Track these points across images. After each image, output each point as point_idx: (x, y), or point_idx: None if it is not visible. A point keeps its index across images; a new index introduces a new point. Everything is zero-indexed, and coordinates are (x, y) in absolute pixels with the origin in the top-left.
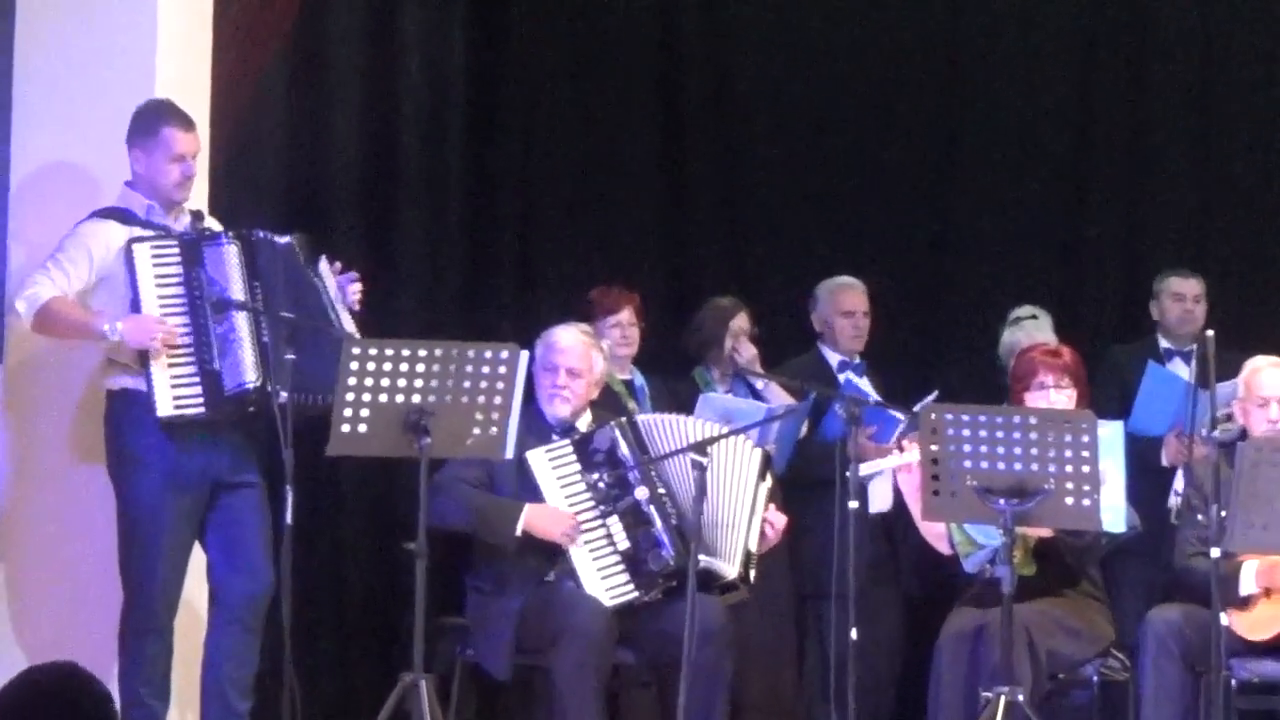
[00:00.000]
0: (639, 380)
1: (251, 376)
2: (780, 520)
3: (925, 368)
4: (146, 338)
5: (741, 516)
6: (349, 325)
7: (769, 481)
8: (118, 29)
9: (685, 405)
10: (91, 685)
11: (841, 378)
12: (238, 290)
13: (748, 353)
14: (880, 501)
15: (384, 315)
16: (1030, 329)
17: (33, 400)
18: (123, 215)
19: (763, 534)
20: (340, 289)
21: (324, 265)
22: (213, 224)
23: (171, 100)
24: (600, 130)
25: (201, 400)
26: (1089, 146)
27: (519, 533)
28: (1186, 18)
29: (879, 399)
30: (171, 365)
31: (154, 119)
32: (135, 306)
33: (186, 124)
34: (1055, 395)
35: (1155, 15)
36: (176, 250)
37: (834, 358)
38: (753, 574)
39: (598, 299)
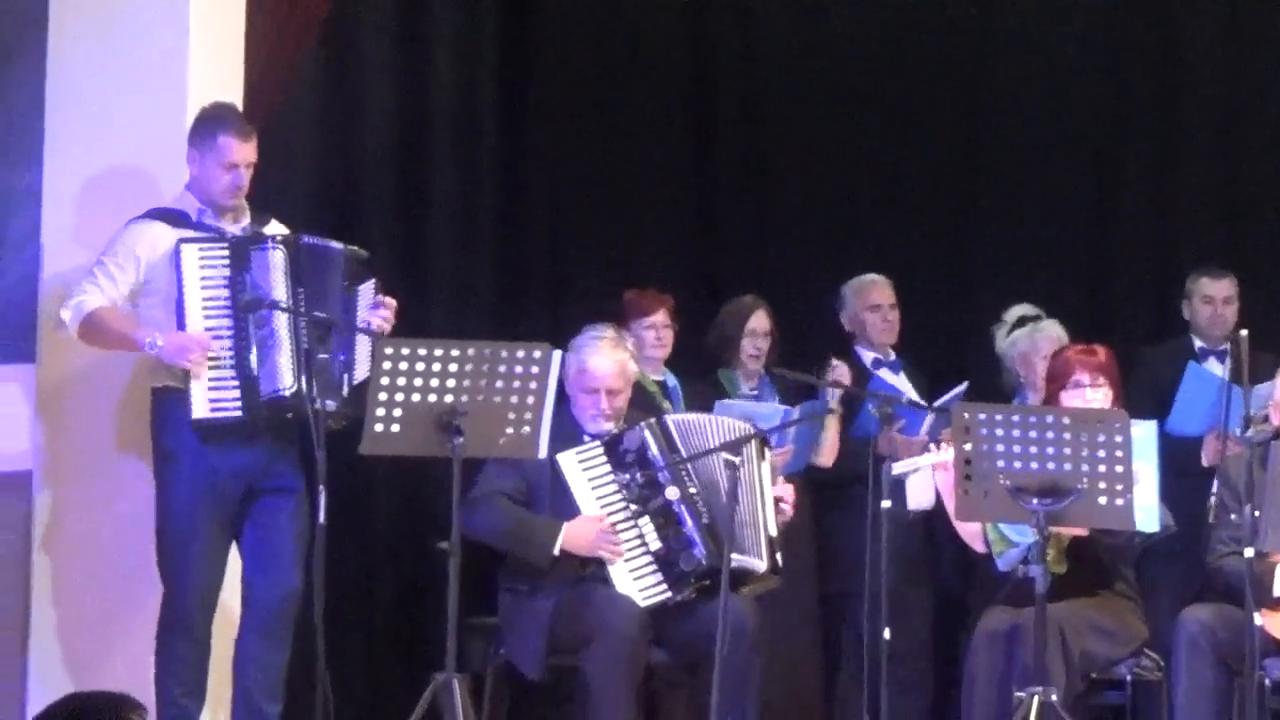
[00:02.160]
0: (671, 381)
1: (288, 382)
2: (789, 492)
3: (952, 369)
4: (184, 357)
5: (759, 507)
6: (361, 350)
7: (769, 459)
8: (150, 28)
9: (707, 407)
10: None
11: (879, 375)
12: (280, 294)
13: (842, 374)
14: (922, 499)
15: (414, 314)
16: (1048, 329)
17: (68, 400)
18: (174, 217)
19: (779, 511)
20: (370, 309)
21: (366, 286)
22: (277, 227)
23: (234, 106)
24: (629, 132)
25: (238, 404)
26: (1117, 145)
27: (556, 552)
28: (1216, 15)
29: (912, 397)
30: (211, 368)
31: (213, 124)
32: (179, 307)
33: (245, 133)
34: (1091, 394)
35: (1185, 13)
36: (225, 253)
37: (868, 356)
38: (779, 558)
39: (633, 300)
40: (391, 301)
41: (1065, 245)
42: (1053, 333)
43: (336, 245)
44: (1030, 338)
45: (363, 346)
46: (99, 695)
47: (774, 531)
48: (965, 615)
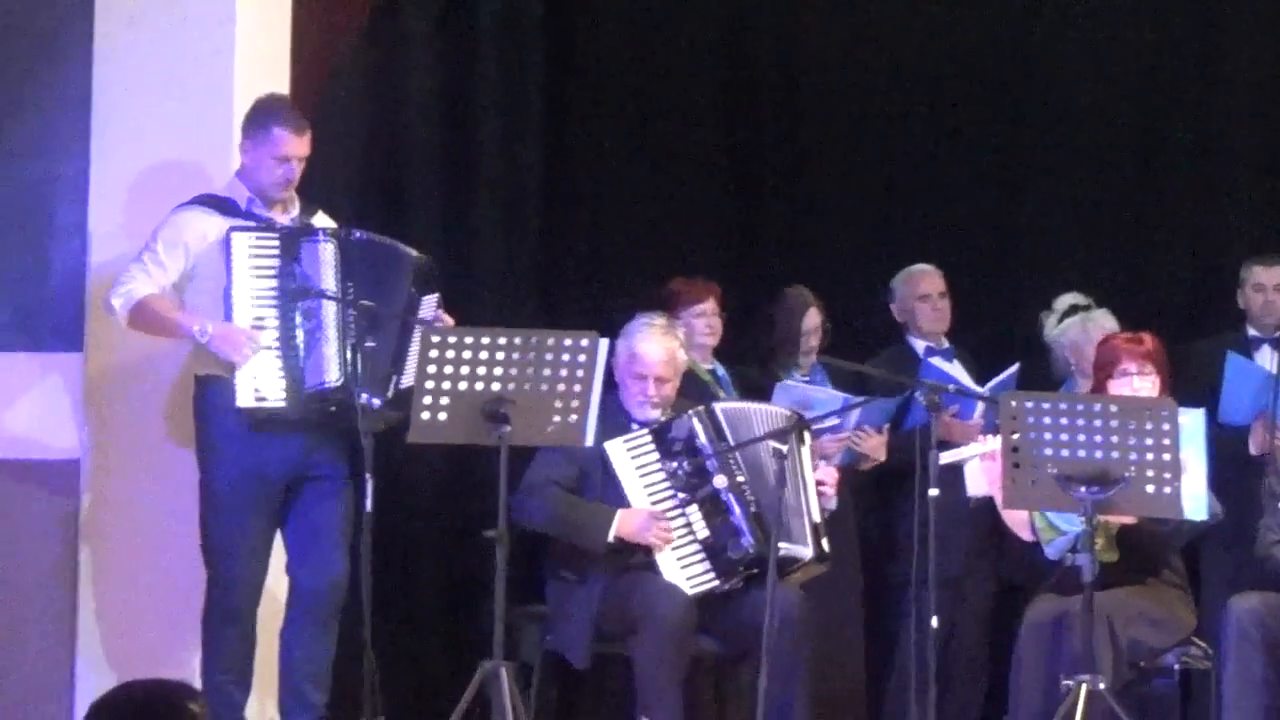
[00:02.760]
0: (720, 370)
1: (334, 375)
2: (831, 475)
3: (997, 356)
4: (233, 350)
5: (802, 493)
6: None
7: (808, 442)
8: (196, 19)
9: (756, 393)
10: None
11: (931, 363)
12: (329, 285)
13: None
14: (981, 486)
15: (460, 303)
16: (1100, 319)
17: (114, 389)
18: (223, 205)
19: (821, 495)
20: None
21: (430, 297)
22: (324, 220)
23: (287, 99)
24: (672, 121)
25: (283, 394)
26: (1161, 132)
27: (610, 539)
28: (1258, 3)
29: (965, 384)
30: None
31: (267, 115)
32: (227, 295)
33: (299, 127)
34: (1139, 383)
35: (1226, 2)
36: (276, 243)
37: (920, 345)
38: (825, 543)
39: (681, 289)
40: (449, 319)
41: (1109, 233)
42: (1105, 323)
43: (408, 249)
44: (1082, 326)
45: (413, 353)
46: (156, 684)
47: (818, 518)
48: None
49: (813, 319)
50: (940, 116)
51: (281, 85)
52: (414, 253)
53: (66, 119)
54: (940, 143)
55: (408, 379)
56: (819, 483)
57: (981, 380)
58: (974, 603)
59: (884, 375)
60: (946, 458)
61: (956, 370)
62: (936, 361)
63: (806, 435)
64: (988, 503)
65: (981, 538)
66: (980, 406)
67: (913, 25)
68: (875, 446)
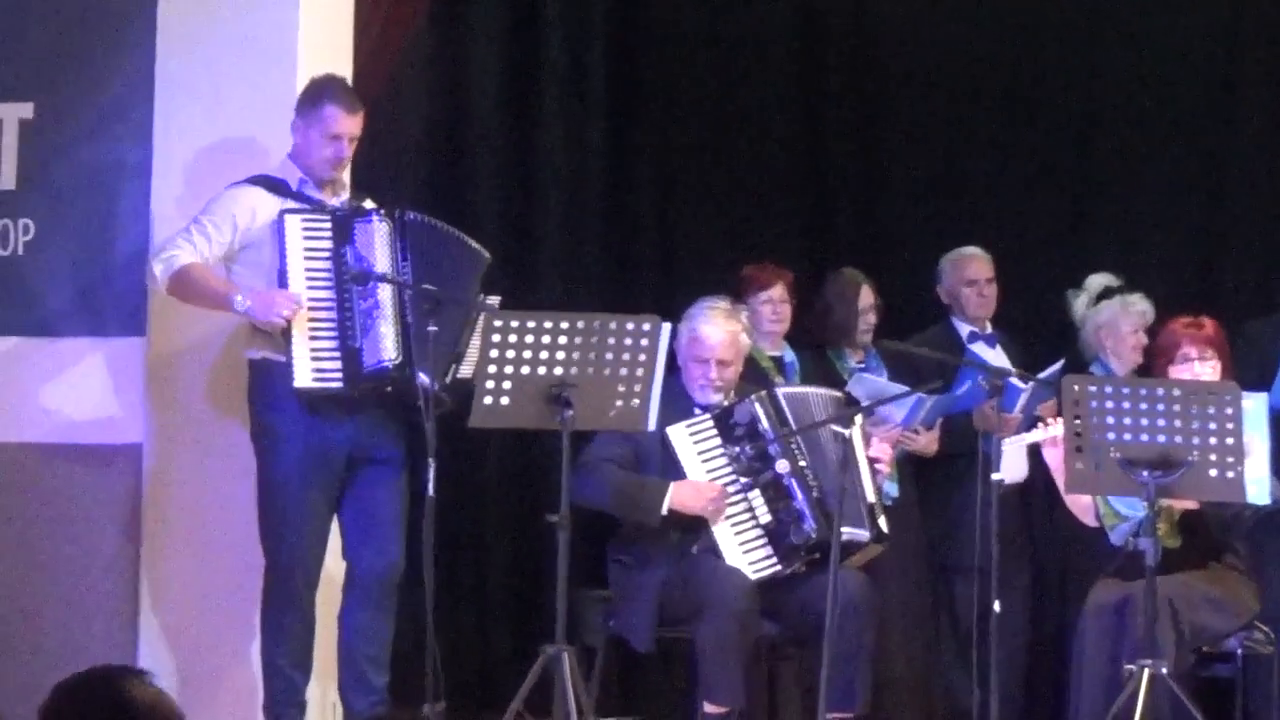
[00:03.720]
0: (789, 356)
1: (391, 355)
2: (885, 452)
3: (1060, 343)
4: (271, 313)
5: (859, 476)
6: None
7: (859, 422)
8: (260, 5)
9: (824, 380)
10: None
11: (974, 348)
12: (384, 267)
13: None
14: (1014, 472)
15: (525, 288)
16: (1137, 303)
17: (176, 373)
18: (274, 185)
19: (877, 473)
20: None
21: (494, 299)
22: (370, 204)
23: (344, 79)
24: (739, 106)
25: (340, 375)
26: (1229, 120)
27: (665, 511)
28: None
29: (1012, 371)
30: (313, 339)
31: (320, 94)
32: (282, 278)
33: (352, 106)
34: (1199, 368)
35: None
36: (328, 225)
37: (964, 329)
38: (882, 523)
39: (751, 275)
40: None
41: (1173, 219)
42: (1140, 306)
43: (479, 248)
44: (1121, 308)
45: (473, 345)
46: (84, 675)
47: (873, 498)
48: (1063, 589)
49: (866, 298)
50: (1011, 105)
51: (344, 71)
52: (485, 253)
53: (130, 104)
54: (1008, 129)
55: (466, 369)
56: (874, 461)
57: (1025, 369)
58: (1012, 590)
59: (939, 357)
60: (1010, 443)
61: (999, 357)
62: (978, 348)
63: (858, 417)
64: (1019, 489)
65: (1014, 524)
66: (1022, 400)
67: (982, 12)
68: (927, 443)
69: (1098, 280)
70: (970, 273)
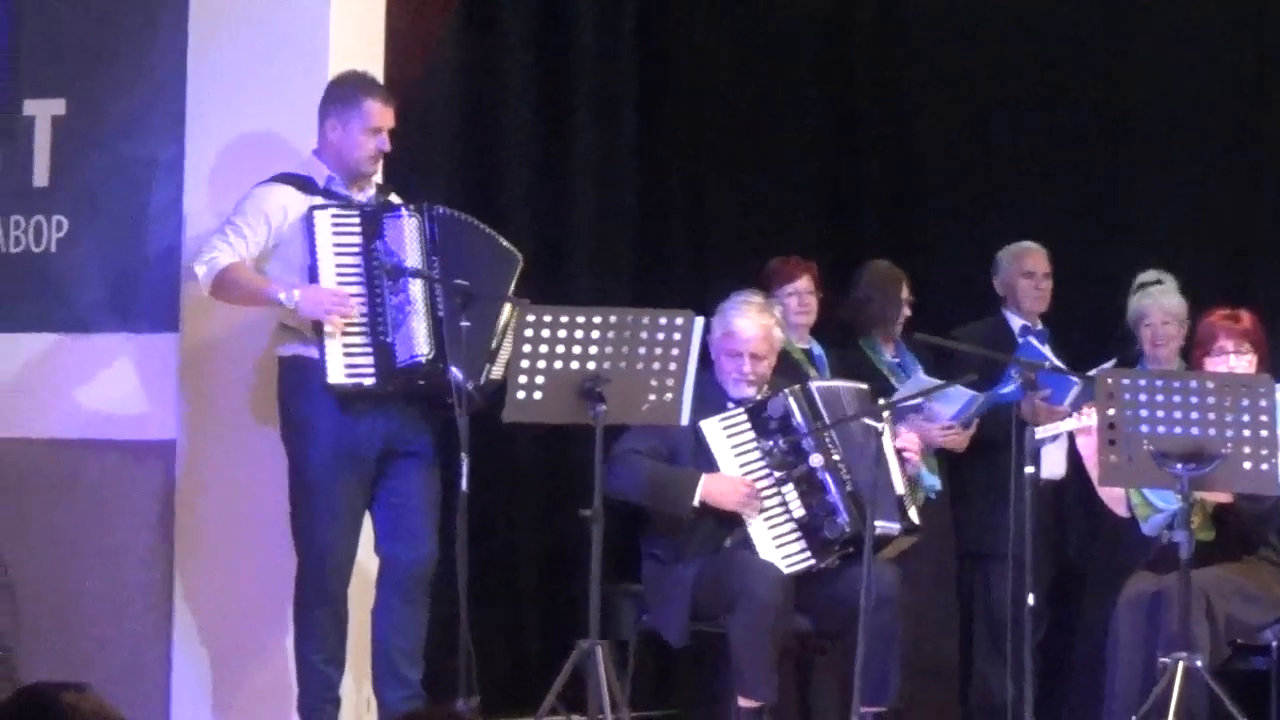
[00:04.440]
0: (817, 349)
1: (424, 349)
2: (913, 440)
3: (1093, 337)
4: (321, 310)
5: (887, 468)
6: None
7: (886, 414)
8: (291, 3)
9: (855, 374)
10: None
11: (1021, 342)
12: (414, 262)
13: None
14: (1054, 468)
15: (557, 283)
16: (1157, 294)
17: (208, 369)
18: (302, 182)
19: (907, 461)
20: None
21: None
22: (396, 199)
23: (372, 73)
24: (769, 98)
25: (373, 371)
26: (1264, 111)
27: (696, 504)
28: None
29: (1056, 363)
30: (345, 334)
31: (355, 89)
32: (313, 274)
33: (387, 98)
34: (1235, 360)
35: None
36: (357, 220)
37: (1016, 322)
38: (912, 513)
39: (777, 267)
40: None
41: (1210, 211)
42: (1163, 301)
43: (514, 251)
44: (1155, 301)
45: (506, 346)
46: (19, 693)
47: (901, 489)
48: (1097, 585)
49: (905, 291)
50: (1044, 95)
51: (376, 67)
52: (518, 254)
53: (162, 101)
54: (1041, 121)
55: (498, 371)
56: (901, 451)
57: (1073, 366)
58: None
59: (976, 352)
60: (1042, 433)
61: (1046, 353)
62: (1029, 340)
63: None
64: (1054, 485)
65: (1048, 520)
66: (1072, 394)
67: (1014, 2)
68: (959, 442)
69: (1143, 276)
70: (1028, 265)
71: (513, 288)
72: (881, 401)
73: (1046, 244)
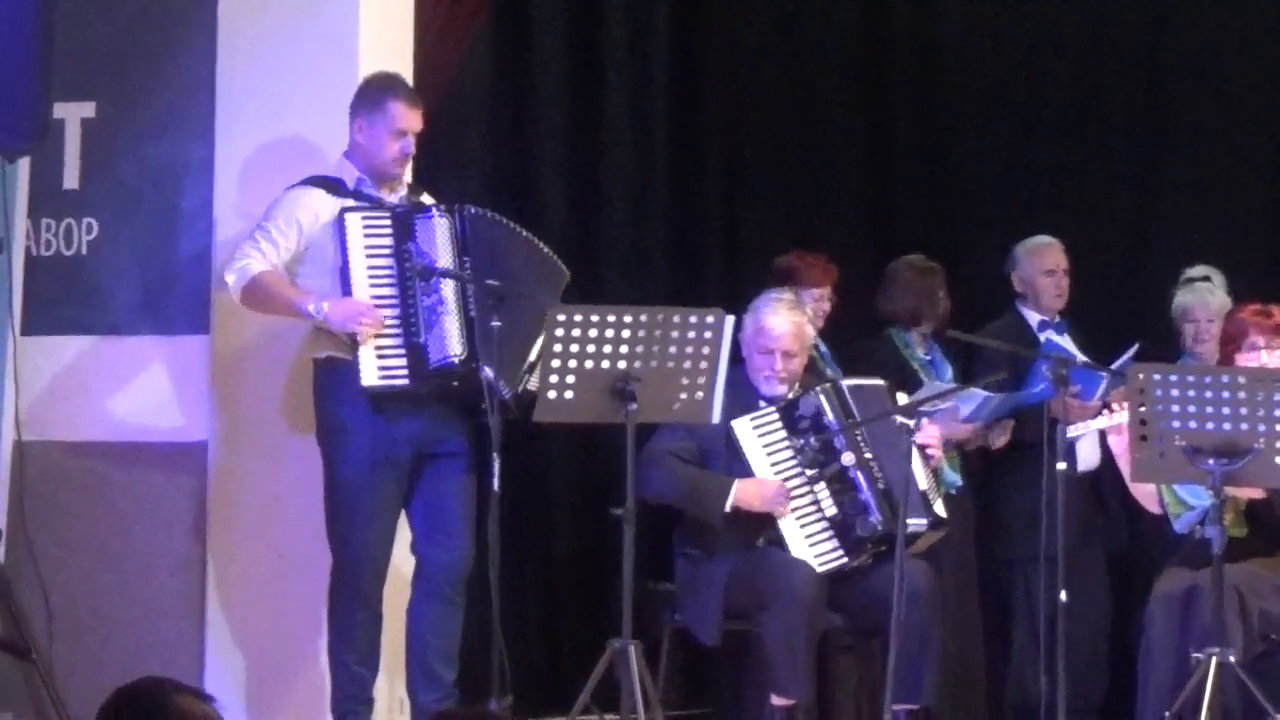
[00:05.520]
0: (823, 347)
1: (457, 350)
2: (934, 434)
3: (1126, 331)
4: (352, 322)
5: (909, 465)
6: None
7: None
8: (321, 3)
9: (880, 365)
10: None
11: (1042, 337)
12: (446, 262)
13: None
14: (1088, 459)
15: (589, 281)
16: (1203, 291)
17: (240, 371)
18: (332, 185)
19: (930, 457)
20: None
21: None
22: (427, 200)
23: (400, 75)
24: (804, 96)
25: (406, 372)
26: None
27: (728, 509)
28: None
29: (1084, 357)
30: (378, 336)
31: (380, 91)
32: (344, 276)
33: (413, 100)
34: (1267, 356)
35: None
36: (388, 222)
37: (1034, 317)
38: (937, 508)
39: (802, 269)
40: None
41: (1243, 206)
42: (1205, 297)
43: (559, 264)
44: (1186, 298)
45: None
46: (144, 681)
47: (925, 484)
48: (1133, 575)
49: (941, 290)
50: (1079, 91)
51: (406, 68)
52: (566, 270)
53: (192, 103)
54: (1076, 117)
55: (536, 382)
56: (923, 447)
57: (1093, 356)
58: (1089, 574)
59: (1007, 348)
60: (1074, 430)
61: (1067, 344)
62: (1049, 336)
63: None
64: (1093, 475)
65: (1090, 510)
66: (1102, 388)
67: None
68: (996, 436)
69: (1191, 271)
70: (1049, 262)
71: (559, 296)
72: (900, 403)
73: (1081, 242)
